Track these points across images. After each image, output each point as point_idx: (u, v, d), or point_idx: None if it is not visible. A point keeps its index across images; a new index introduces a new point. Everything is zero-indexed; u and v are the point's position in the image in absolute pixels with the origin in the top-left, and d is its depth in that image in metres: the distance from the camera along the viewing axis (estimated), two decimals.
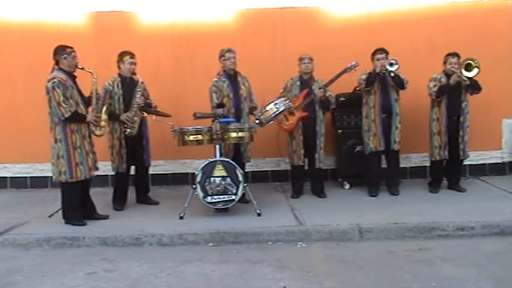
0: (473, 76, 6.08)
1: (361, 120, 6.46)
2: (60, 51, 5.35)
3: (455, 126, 6.30)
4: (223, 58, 6.10)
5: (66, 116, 5.23)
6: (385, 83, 6.27)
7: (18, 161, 7.29)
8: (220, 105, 5.92)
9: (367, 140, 6.39)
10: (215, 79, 6.14)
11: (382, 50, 6.22)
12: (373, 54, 6.27)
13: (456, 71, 6.13)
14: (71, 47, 5.39)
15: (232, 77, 6.15)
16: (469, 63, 6.06)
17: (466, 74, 6.07)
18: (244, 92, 6.15)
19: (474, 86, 6.16)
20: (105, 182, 6.83)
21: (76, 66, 5.42)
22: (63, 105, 5.21)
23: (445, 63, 6.31)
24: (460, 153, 6.36)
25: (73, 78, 5.41)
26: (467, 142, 6.35)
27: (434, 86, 6.25)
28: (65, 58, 5.34)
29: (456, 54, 6.23)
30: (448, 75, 6.25)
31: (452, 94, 6.24)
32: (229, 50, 6.10)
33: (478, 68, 6.03)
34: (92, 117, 5.47)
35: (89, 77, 5.50)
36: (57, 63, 5.37)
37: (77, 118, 5.33)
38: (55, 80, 5.22)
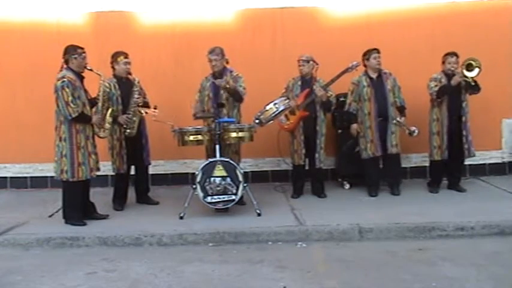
0: (475, 76, 6.06)
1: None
2: (71, 50, 5.34)
3: (456, 126, 6.29)
4: (207, 59, 6.04)
5: (73, 116, 5.23)
6: (380, 88, 6.26)
7: (18, 161, 7.29)
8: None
9: (363, 146, 6.38)
10: (204, 78, 6.15)
11: (375, 50, 6.24)
12: (365, 54, 6.27)
13: (457, 72, 6.11)
14: (82, 48, 5.39)
15: (216, 77, 6.05)
16: (470, 64, 6.04)
17: (467, 74, 6.06)
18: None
19: (474, 87, 6.14)
20: (105, 182, 6.83)
21: (85, 67, 5.42)
22: (72, 105, 5.20)
23: (443, 63, 6.30)
24: (465, 153, 6.33)
25: (81, 78, 5.41)
26: (471, 141, 6.33)
27: (436, 85, 6.22)
28: (75, 58, 5.33)
29: (455, 54, 6.22)
30: (447, 75, 6.24)
31: (453, 94, 6.23)
32: (211, 52, 5.96)
33: (479, 68, 6.01)
34: (98, 119, 5.48)
35: (90, 78, 5.51)
36: (66, 62, 5.36)
37: (83, 119, 5.34)
38: (65, 79, 5.22)
